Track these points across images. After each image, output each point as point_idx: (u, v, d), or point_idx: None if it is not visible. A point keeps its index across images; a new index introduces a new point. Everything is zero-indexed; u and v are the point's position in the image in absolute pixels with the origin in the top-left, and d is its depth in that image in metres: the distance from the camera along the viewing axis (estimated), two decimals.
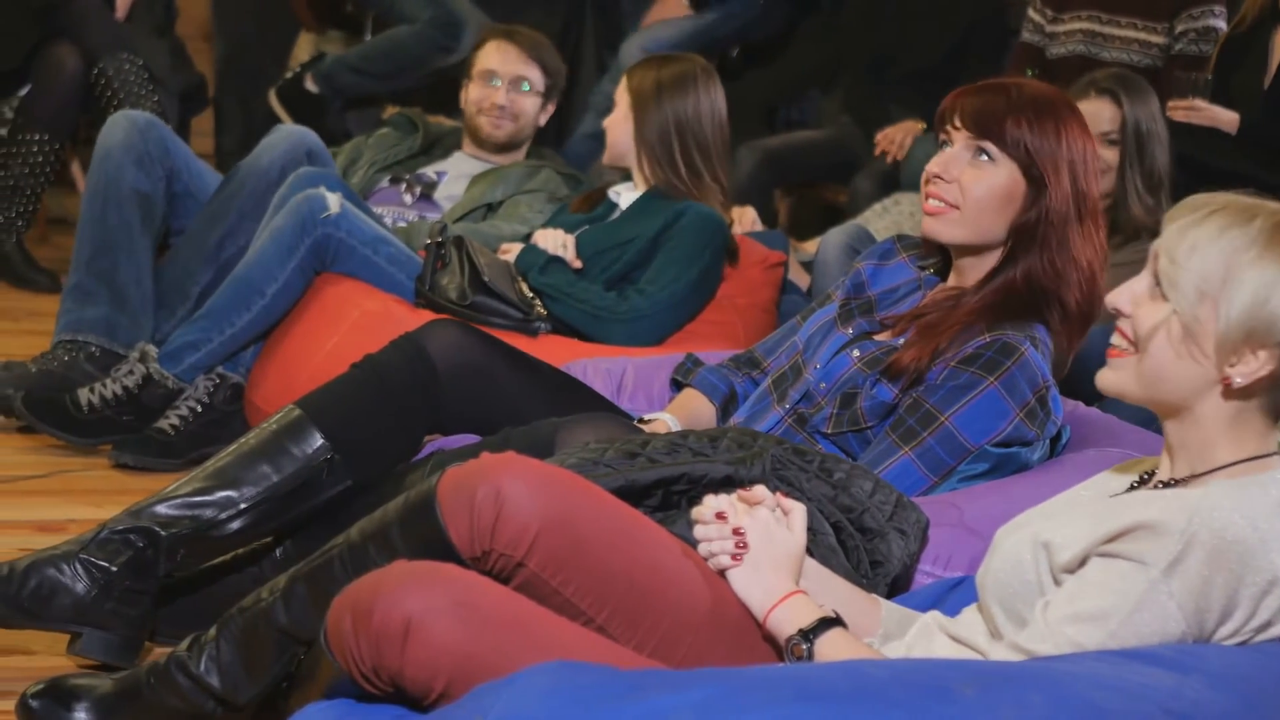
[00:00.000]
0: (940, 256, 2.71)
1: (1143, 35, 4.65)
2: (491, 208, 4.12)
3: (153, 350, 3.61)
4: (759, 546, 2.00)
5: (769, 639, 1.98)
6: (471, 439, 2.71)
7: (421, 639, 1.74)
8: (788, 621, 1.95)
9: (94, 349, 3.74)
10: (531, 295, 3.59)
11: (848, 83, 5.58)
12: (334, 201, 3.57)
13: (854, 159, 5.38)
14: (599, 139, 4.21)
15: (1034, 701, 1.63)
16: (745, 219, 4.17)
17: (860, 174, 5.27)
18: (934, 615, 2.07)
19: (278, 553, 2.66)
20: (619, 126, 3.78)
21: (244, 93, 5.86)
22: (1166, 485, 1.90)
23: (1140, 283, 1.88)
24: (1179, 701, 1.67)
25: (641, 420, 2.77)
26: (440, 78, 5.42)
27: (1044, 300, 2.55)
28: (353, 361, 2.73)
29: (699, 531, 2.04)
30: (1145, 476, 1.97)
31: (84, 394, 3.57)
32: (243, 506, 2.54)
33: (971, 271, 2.61)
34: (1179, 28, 4.63)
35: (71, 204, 4.52)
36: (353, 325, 3.49)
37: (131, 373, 3.59)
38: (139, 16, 5.11)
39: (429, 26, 5.42)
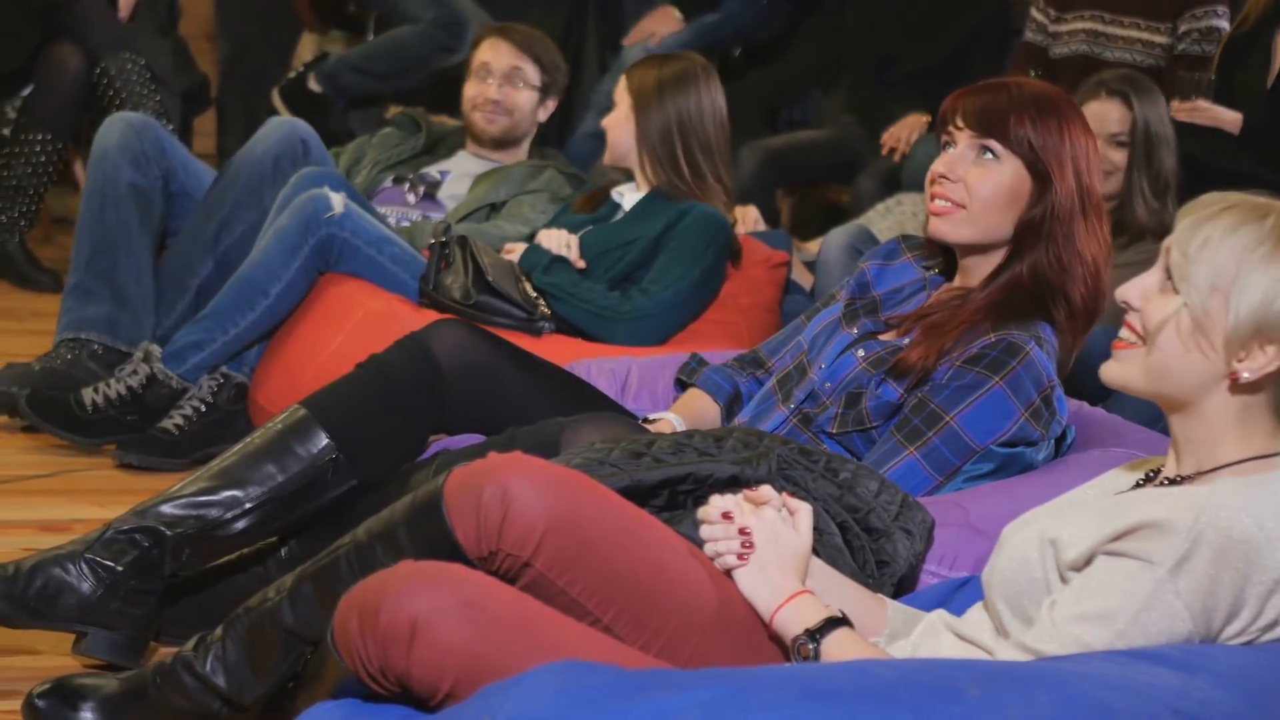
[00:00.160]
0: (945, 257, 2.71)
1: (1146, 35, 4.65)
2: (495, 207, 4.11)
3: (157, 350, 3.61)
4: (765, 546, 2.00)
5: (775, 639, 1.97)
6: (476, 439, 2.71)
7: (428, 639, 1.74)
8: (794, 621, 1.94)
9: (96, 347, 3.74)
10: (535, 295, 3.58)
11: (850, 83, 5.57)
12: (338, 201, 3.57)
13: (856, 159, 5.38)
14: (601, 138, 4.21)
15: (1041, 701, 1.63)
16: (748, 219, 4.17)
17: (863, 174, 5.27)
18: (940, 614, 2.07)
19: (283, 552, 2.66)
20: (620, 127, 3.76)
21: (247, 93, 5.86)
22: (1173, 482, 1.90)
23: (1150, 277, 1.88)
24: (1186, 701, 1.67)
25: (646, 420, 2.77)
26: (443, 77, 5.42)
27: (1050, 296, 2.55)
28: (357, 361, 2.73)
29: (705, 531, 2.04)
30: (1151, 474, 1.97)
31: (88, 394, 3.56)
32: (248, 506, 2.54)
33: (976, 271, 2.62)
34: (1182, 28, 4.63)
35: (74, 204, 4.50)
36: (357, 325, 3.48)
37: (135, 372, 3.59)
38: (142, 16, 5.11)
39: (432, 26, 5.41)
